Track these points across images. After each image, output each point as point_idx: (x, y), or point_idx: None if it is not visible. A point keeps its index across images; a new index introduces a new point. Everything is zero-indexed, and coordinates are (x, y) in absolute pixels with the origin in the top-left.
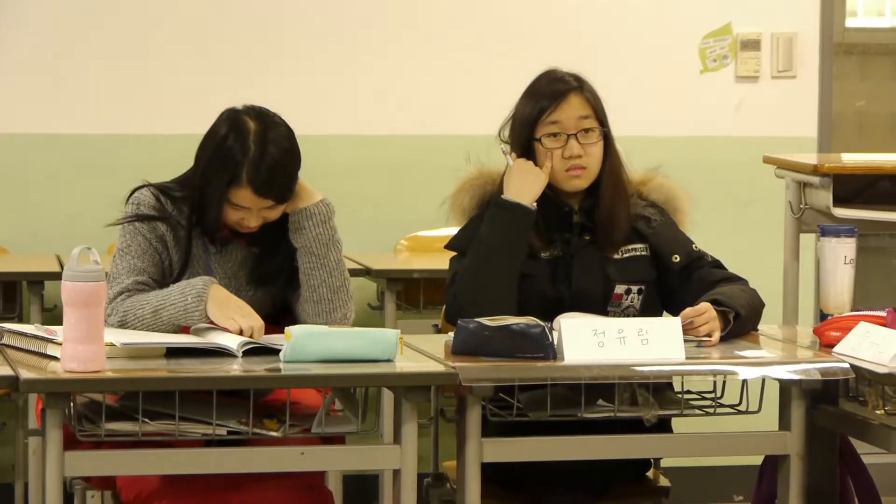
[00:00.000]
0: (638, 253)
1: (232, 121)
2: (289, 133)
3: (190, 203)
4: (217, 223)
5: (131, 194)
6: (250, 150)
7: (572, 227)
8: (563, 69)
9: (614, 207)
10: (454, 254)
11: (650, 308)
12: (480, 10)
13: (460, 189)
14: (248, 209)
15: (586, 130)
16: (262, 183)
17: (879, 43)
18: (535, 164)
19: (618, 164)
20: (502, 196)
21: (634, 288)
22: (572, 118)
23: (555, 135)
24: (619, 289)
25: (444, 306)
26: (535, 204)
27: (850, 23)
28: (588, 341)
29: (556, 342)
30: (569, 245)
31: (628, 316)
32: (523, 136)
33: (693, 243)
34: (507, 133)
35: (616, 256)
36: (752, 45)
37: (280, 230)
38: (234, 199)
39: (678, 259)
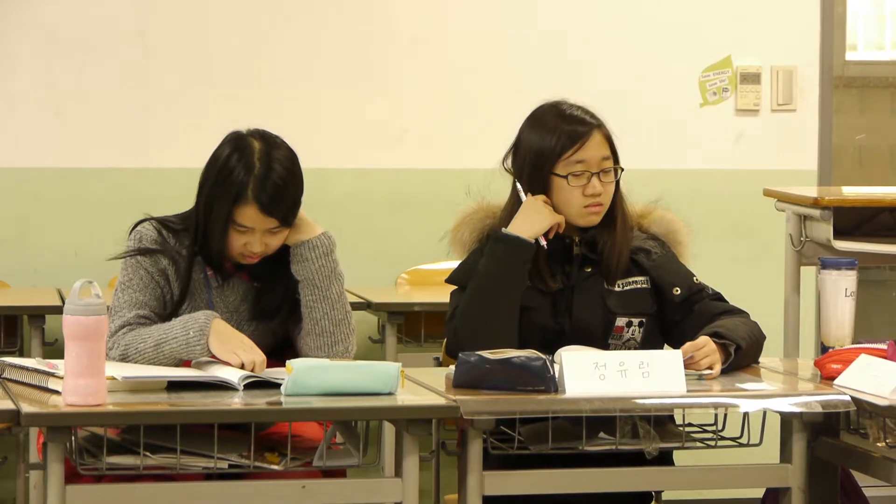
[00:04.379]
0: (639, 286)
1: (236, 141)
2: (292, 155)
3: (192, 235)
4: (221, 248)
5: (133, 228)
6: (255, 167)
7: (573, 259)
8: (569, 101)
9: (620, 240)
10: (455, 287)
11: (651, 341)
12: (480, 44)
13: (460, 223)
14: (252, 231)
15: (606, 170)
16: (268, 200)
17: (879, 76)
18: (549, 197)
19: (622, 198)
20: (501, 230)
21: (635, 320)
22: (596, 157)
23: (579, 174)
24: (620, 321)
25: (445, 340)
26: (541, 240)
27: (849, 56)
28: (589, 374)
29: (557, 375)
30: (569, 277)
31: (629, 348)
32: (542, 170)
33: (694, 276)
34: (510, 162)
35: (617, 289)
36: (752, 78)
37: (282, 264)
38: (238, 219)
39: (679, 292)
